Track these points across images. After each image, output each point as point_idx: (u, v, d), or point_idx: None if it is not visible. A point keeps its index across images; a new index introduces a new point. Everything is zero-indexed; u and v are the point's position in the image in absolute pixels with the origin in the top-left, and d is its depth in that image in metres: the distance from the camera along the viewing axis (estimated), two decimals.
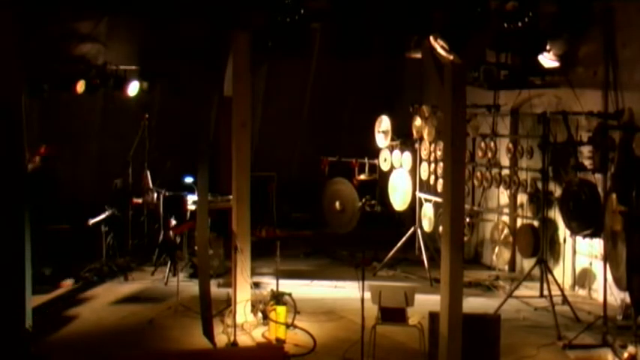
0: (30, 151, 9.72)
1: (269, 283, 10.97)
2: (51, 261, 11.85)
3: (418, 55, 9.84)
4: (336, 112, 15.51)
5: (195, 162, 9.96)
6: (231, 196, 10.57)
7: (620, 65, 10.64)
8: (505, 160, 12.39)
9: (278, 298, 9.74)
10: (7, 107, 8.46)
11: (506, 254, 12.32)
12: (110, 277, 12.22)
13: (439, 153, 12.49)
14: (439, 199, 11.51)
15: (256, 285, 10.76)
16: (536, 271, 11.14)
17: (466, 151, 11.00)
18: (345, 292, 11.51)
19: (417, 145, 13.22)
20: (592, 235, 10.17)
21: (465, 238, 11.67)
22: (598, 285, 10.76)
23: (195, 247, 11.56)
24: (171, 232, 12.30)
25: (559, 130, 10.88)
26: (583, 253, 11.40)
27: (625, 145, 9.48)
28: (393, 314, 8.62)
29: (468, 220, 12.20)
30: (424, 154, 13.07)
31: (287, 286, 10.48)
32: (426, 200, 12.99)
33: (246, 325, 9.81)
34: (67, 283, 11.72)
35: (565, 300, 10.66)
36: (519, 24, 8.30)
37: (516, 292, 11.12)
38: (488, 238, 13.03)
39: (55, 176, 12.17)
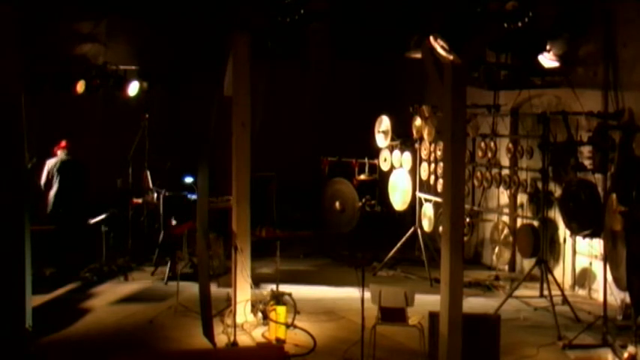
0: (30, 152, 9.74)
1: (269, 283, 10.97)
2: (52, 261, 11.91)
3: (418, 55, 9.83)
4: (336, 112, 15.52)
5: (195, 162, 9.96)
6: (231, 196, 10.57)
7: (620, 65, 10.64)
8: (505, 160, 12.39)
9: (278, 298, 9.75)
10: (7, 107, 8.46)
11: (506, 254, 12.32)
12: (110, 277, 12.23)
13: (439, 153, 12.48)
14: (439, 199, 11.51)
15: (256, 285, 10.76)
16: (536, 271, 11.14)
17: (466, 151, 11.01)
18: (345, 292, 11.50)
19: (417, 145, 13.21)
20: (592, 235, 10.16)
21: (465, 238, 11.68)
22: (598, 285, 10.76)
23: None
24: (171, 232, 12.31)
25: (559, 130, 10.88)
26: (583, 253, 11.40)
27: (625, 145, 9.48)
28: (393, 314, 8.62)
29: (468, 220, 12.20)
30: (424, 154, 13.06)
31: (287, 286, 10.48)
32: (426, 200, 12.99)
33: (246, 325, 9.81)
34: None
35: (565, 300, 10.67)
36: (519, 24, 8.29)
37: (516, 292, 11.13)
38: (488, 238, 13.02)
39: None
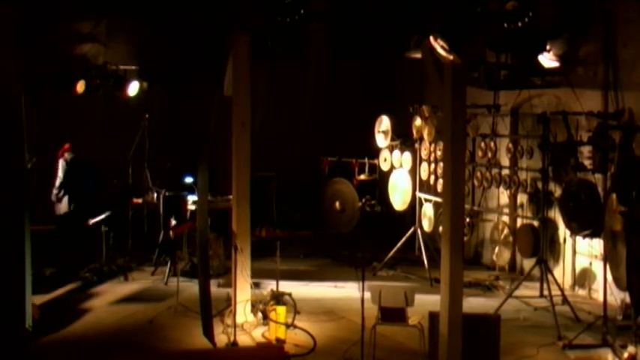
0: (30, 152, 9.76)
1: (269, 283, 10.97)
2: (52, 261, 11.92)
3: (418, 55, 9.83)
4: (336, 112, 15.52)
5: (195, 162, 9.97)
6: (231, 196, 10.57)
7: (620, 65, 10.64)
8: (505, 160, 12.38)
9: (278, 298, 9.74)
10: (7, 107, 8.47)
11: (506, 254, 12.32)
12: (110, 277, 12.23)
13: (439, 153, 12.49)
14: (439, 199, 11.51)
15: (256, 285, 10.76)
16: (536, 271, 11.14)
17: (466, 151, 11.01)
18: (345, 292, 11.51)
19: (417, 145, 13.22)
20: (592, 235, 10.16)
21: (465, 238, 11.68)
22: (598, 285, 10.76)
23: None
24: (171, 232, 12.31)
25: (559, 130, 10.88)
26: (583, 253, 11.39)
27: (625, 145, 9.48)
28: (393, 314, 8.61)
29: (468, 220, 12.20)
30: (424, 154, 13.07)
31: (287, 286, 10.48)
32: (426, 200, 12.99)
33: (246, 325, 9.81)
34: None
35: (565, 300, 10.66)
36: (519, 24, 8.29)
37: (516, 292, 11.13)
38: (488, 238, 13.02)
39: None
